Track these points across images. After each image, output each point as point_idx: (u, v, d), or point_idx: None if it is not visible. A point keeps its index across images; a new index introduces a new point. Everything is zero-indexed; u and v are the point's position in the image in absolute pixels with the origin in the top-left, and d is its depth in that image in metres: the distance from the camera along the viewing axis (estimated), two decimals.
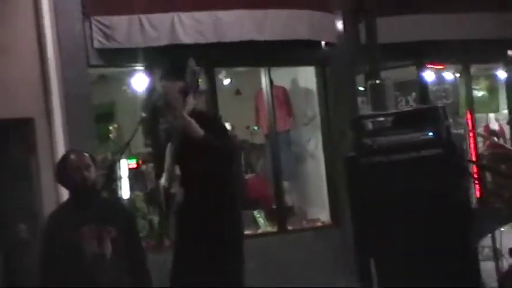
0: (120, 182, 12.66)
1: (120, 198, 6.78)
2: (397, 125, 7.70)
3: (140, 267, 6.52)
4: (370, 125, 7.77)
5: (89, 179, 6.45)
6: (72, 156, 6.62)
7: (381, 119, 7.91)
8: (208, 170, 6.85)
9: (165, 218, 7.14)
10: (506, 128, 16.06)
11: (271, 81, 13.57)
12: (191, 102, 7.05)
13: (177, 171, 6.87)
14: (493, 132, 15.39)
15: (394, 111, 9.64)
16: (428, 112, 7.82)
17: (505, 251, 7.73)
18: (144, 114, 7.40)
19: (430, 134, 7.53)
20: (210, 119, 7.44)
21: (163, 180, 7.02)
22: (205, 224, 6.88)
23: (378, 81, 11.93)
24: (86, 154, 6.69)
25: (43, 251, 6.66)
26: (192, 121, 6.84)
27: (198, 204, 6.86)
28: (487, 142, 12.92)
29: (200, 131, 6.83)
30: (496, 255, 7.56)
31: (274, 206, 13.71)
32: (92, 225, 6.37)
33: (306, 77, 14.11)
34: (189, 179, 6.86)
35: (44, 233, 6.73)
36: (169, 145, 7.01)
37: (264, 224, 13.56)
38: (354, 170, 7.68)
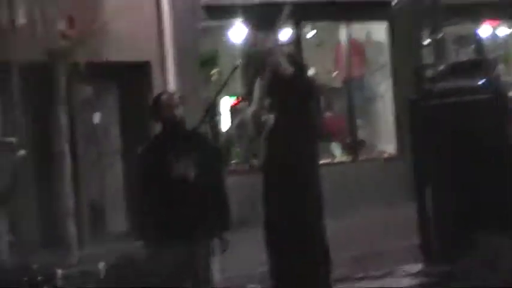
0: (220, 116, 12.74)
1: (204, 131, 6.62)
2: (453, 73, 7.56)
3: (220, 190, 6.44)
4: (430, 73, 7.65)
5: (177, 115, 6.43)
6: (164, 97, 6.61)
7: (440, 67, 7.77)
8: (294, 101, 6.78)
9: (255, 143, 7.04)
10: None
11: (349, 35, 13.42)
12: (281, 45, 6.98)
13: (267, 101, 6.81)
14: None
15: (451, 61, 9.42)
16: (481, 62, 7.66)
17: None
18: (240, 61, 7.32)
19: (482, 81, 7.38)
20: (296, 59, 7.36)
21: (252, 110, 6.93)
22: (291, 147, 6.82)
23: (440, 36, 11.66)
24: (175, 95, 6.68)
25: (136, 180, 6.67)
26: (283, 59, 6.77)
27: (286, 130, 6.79)
28: None
29: (289, 69, 6.77)
30: None
31: (348, 140, 13.65)
32: (178, 152, 6.34)
33: (379, 31, 13.89)
34: (278, 107, 6.79)
35: (137, 163, 6.73)
36: (258, 79, 6.94)
37: (340, 154, 13.52)
38: (416, 111, 7.58)
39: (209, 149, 6.56)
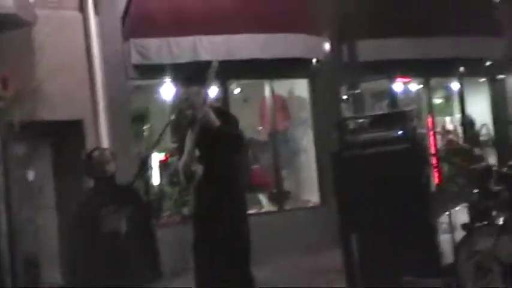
0: (151, 171, 12.61)
1: (134, 185, 6.55)
2: (373, 125, 7.64)
3: (150, 242, 6.37)
4: (351, 125, 7.70)
5: (108, 171, 6.35)
6: (95, 153, 6.54)
7: (360, 120, 7.84)
8: (222, 152, 6.74)
9: (185, 192, 6.98)
10: (459, 128, 16.00)
11: (272, 91, 13.53)
12: (210, 100, 6.95)
13: (196, 152, 6.76)
14: (449, 132, 15.29)
15: (370, 114, 9.53)
16: (399, 115, 7.76)
17: (458, 226, 7.64)
18: (172, 117, 7.27)
19: (400, 132, 7.46)
20: (225, 112, 7.33)
21: (183, 161, 6.87)
22: (221, 195, 6.75)
23: (357, 91, 11.83)
24: (107, 151, 6.61)
25: (71, 229, 6.55)
26: (211, 112, 6.74)
27: (214, 180, 6.73)
28: (445, 139, 12.83)
29: (217, 121, 6.73)
30: (452, 229, 7.46)
31: (274, 190, 13.65)
32: (110, 207, 6.25)
33: (300, 87, 14.04)
34: (207, 158, 6.74)
35: (70, 217, 6.62)
36: (189, 132, 6.90)
37: (266, 204, 13.50)
38: (338, 162, 7.62)
39: (140, 203, 6.49)
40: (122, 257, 6.18)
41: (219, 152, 6.76)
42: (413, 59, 14.27)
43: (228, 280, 6.59)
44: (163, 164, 12.88)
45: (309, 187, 14.05)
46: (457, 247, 6.88)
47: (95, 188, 6.50)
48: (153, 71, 12.21)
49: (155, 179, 12.87)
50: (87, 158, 6.50)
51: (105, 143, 11.37)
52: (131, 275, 6.19)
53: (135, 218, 6.22)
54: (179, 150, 7.15)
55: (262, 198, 13.47)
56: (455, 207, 7.53)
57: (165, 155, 12.91)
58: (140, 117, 13.09)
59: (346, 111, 12.51)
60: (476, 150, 9.29)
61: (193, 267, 6.75)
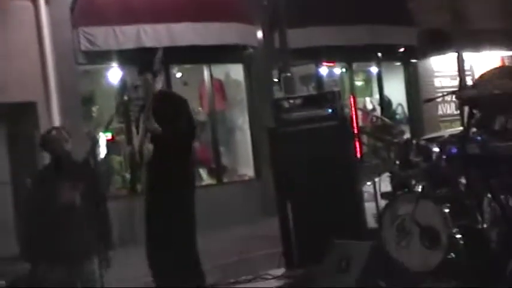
0: (100, 149, 12.46)
1: (89, 162, 6.49)
2: (305, 105, 7.66)
3: (103, 213, 6.31)
4: (285, 105, 7.71)
5: (65, 148, 6.29)
6: (53, 132, 6.47)
7: (293, 100, 7.85)
8: (171, 134, 6.66)
9: (139, 170, 6.92)
10: (378, 108, 16.19)
11: (211, 75, 13.46)
12: (159, 84, 6.86)
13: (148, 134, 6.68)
14: (370, 110, 15.47)
15: (302, 94, 9.56)
16: (327, 95, 7.79)
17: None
18: (125, 98, 7.11)
19: (329, 110, 7.50)
20: (177, 98, 7.21)
21: (138, 141, 6.79)
22: (169, 172, 6.69)
23: (288, 75, 11.86)
24: (64, 130, 6.53)
25: (25, 205, 6.46)
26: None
27: (163, 158, 6.67)
28: (367, 116, 12.96)
29: (158, 129, 6.57)
30: (376, 198, 7.54)
31: (213, 165, 13.63)
32: (65, 181, 6.18)
33: (236, 71, 14.02)
34: (157, 139, 6.66)
35: (27, 190, 6.54)
36: (141, 116, 6.81)
37: (206, 178, 13.47)
38: (275, 138, 7.63)
39: (93, 178, 6.43)
40: (77, 229, 6.10)
41: (169, 134, 6.67)
42: (337, 46, 14.37)
43: (177, 248, 6.56)
44: (110, 143, 12.73)
45: (244, 162, 14.08)
46: (381, 212, 6.95)
47: (51, 164, 6.40)
48: (100, 57, 12.06)
49: (103, 155, 12.71)
50: (44, 136, 6.40)
51: (57, 123, 11.20)
52: (86, 245, 6.12)
53: (89, 192, 6.16)
54: (127, 131, 7.06)
55: (203, 172, 13.44)
56: (378, 177, 7.61)
57: (112, 134, 12.75)
58: (89, 100, 12.90)
59: (278, 93, 12.51)
60: (397, 126, 9.39)
61: (145, 237, 6.69)
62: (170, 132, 6.54)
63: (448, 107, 17.24)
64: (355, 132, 7.77)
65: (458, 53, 16.11)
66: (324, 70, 15.17)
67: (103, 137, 12.52)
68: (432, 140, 7.35)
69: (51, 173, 6.28)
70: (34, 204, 6.23)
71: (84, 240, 6.09)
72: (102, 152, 12.54)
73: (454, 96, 7.37)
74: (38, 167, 11.02)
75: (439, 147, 6.76)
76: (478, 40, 16.35)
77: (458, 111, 16.67)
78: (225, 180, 13.59)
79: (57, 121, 11.26)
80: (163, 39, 12.00)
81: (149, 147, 6.64)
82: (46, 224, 6.09)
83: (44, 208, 6.11)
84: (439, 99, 15.97)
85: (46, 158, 6.65)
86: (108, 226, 6.26)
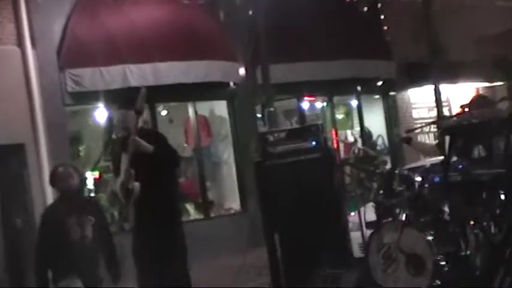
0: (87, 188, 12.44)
1: (94, 198, 6.62)
2: (290, 138, 7.69)
3: (111, 244, 6.43)
4: (271, 138, 7.74)
5: (72, 184, 6.37)
6: (60, 169, 6.55)
7: (279, 134, 7.89)
8: (157, 171, 6.67)
9: (125, 208, 6.90)
10: (359, 139, 16.26)
11: (195, 112, 13.49)
12: (141, 121, 6.88)
13: (132, 171, 6.67)
14: (352, 142, 15.55)
15: (286, 128, 9.61)
16: (311, 128, 7.83)
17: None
18: (113, 136, 7.13)
19: (313, 143, 7.54)
20: (156, 133, 7.28)
21: (120, 180, 6.77)
22: (156, 208, 6.69)
23: (271, 109, 11.91)
24: (70, 167, 6.61)
25: (39, 239, 6.48)
26: (142, 141, 6.63)
27: (150, 195, 6.66)
28: (349, 148, 13.02)
29: (150, 147, 6.63)
30: (361, 227, 7.55)
31: (200, 200, 13.59)
32: (76, 216, 6.25)
33: (220, 108, 14.07)
34: (143, 177, 6.65)
35: (40, 224, 6.57)
36: (124, 154, 6.80)
37: (193, 213, 13.42)
38: (261, 171, 7.65)
39: (101, 213, 6.54)
40: (89, 260, 6.24)
41: (154, 169, 6.69)
42: (317, 80, 14.46)
43: (169, 280, 6.53)
44: (97, 181, 12.68)
45: (230, 196, 14.05)
46: (367, 241, 6.96)
47: (61, 199, 6.50)
48: (87, 97, 12.05)
49: (91, 194, 12.65)
50: (53, 173, 6.53)
51: (45, 163, 11.18)
52: (97, 276, 6.18)
53: (98, 226, 6.24)
54: (114, 169, 7.06)
55: (190, 207, 13.39)
56: (363, 206, 7.62)
57: (99, 172, 12.71)
58: (76, 139, 12.88)
59: (262, 128, 12.54)
60: (380, 157, 9.43)
61: (136, 272, 6.65)
62: (160, 154, 6.55)
63: (427, 138, 17.35)
64: (339, 163, 7.81)
65: (435, 85, 16.27)
66: (305, 104, 15.25)
67: (90, 176, 12.49)
68: (414, 170, 7.39)
69: (61, 207, 6.37)
70: (48, 236, 6.30)
71: (95, 273, 6.16)
72: (90, 190, 12.50)
73: (434, 126, 7.43)
74: (28, 206, 11.03)
75: (422, 176, 6.81)
76: (455, 72, 16.53)
77: (437, 141, 16.80)
78: (212, 214, 13.55)
79: (45, 161, 11.24)
80: (149, 78, 12.05)
81: (135, 186, 6.64)
82: (61, 255, 6.14)
83: (58, 240, 6.17)
84: (418, 131, 16.09)
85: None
86: (116, 259, 6.38)
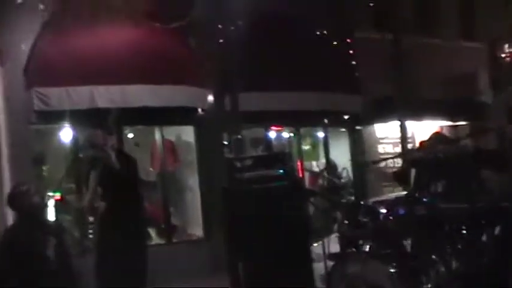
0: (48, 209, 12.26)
1: (58, 220, 6.53)
2: (258, 165, 7.69)
3: (71, 268, 6.32)
4: (239, 165, 7.74)
5: (33, 204, 6.24)
6: (21, 188, 6.40)
7: (247, 160, 7.89)
8: (123, 189, 6.65)
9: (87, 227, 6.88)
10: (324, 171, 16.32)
11: (162, 136, 13.45)
12: (111, 141, 6.86)
13: (99, 190, 6.65)
14: (320, 171, 15.64)
15: (256, 155, 9.62)
16: (279, 155, 7.86)
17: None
18: (81, 155, 7.10)
19: (281, 171, 7.56)
20: (123, 152, 7.27)
21: (87, 199, 6.74)
22: (121, 229, 6.65)
23: (238, 137, 11.92)
24: (32, 185, 6.48)
25: (1, 260, 6.38)
26: (112, 154, 6.64)
27: (117, 213, 6.63)
28: (315, 179, 13.10)
29: (118, 165, 6.62)
30: (324, 258, 7.55)
31: (163, 225, 13.50)
32: (37, 237, 6.14)
33: (187, 133, 14.04)
34: (109, 195, 6.63)
35: (1, 244, 6.44)
36: (92, 173, 6.78)
37: (155, 238, 13.32)
38: (227, 197, 7.63)
39: (63, 232, 6.44)
40: (52, 279, 6.11)
41: (121, 190, 6.68)
42: (285, 111, 14.54)
43: None
44: (59, 202, 12.53)
45: (194, 222, 13.98)
46: (330, 271, 6.97)
47: (21, 219, 6.37)
48: (53, 117, 11.95)
49: (52, 215, 12.48)
50: (13, 191, 6.38)
51: (7, 182, 11.03)
52: None
53: (59, 248, 6.13)
54: (78, 189, 7.04)
55: (152, 232, 13.28)
56: (328, 237, 7.64)
57: (61, 194, 12.56)
58: (40, 159, 12.73)
59: (228, 155, 12.54)
60: (346, 187, 9.54)
61: None
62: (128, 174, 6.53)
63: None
64: (306, 192, 7.83)
65: (401, 121, 16.48)
66: (272, 134, 15.31)
67: (51, 197, 12.34)
68: (380, 202, 7.44)
69: (22, 229, 6.24)
70: (11, 256, 6.18)
71: None
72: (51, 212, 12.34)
73: (399, 160, 7.52)
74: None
75: (387, 208, 6.86)
76: (420, 110, 16.77)
77: (396, 172, 16.94)
78: (175, 240, 13.45)
79: (7, 180, 11.08)
80: (117, 100, 12.00)
81: (100, 205, 6.61)
82: (20, 279, 6.04)
83: (16, 265, 6.05)
84: (382, 164, 16.23)
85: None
86: (76, 280, 6.26)
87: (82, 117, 11.63)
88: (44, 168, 12.78)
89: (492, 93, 19.08)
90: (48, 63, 11.86)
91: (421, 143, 6.91)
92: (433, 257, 6.56)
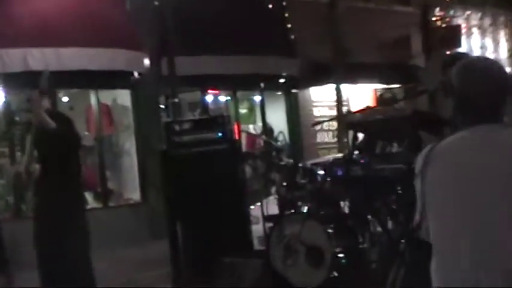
0: None
1: None
2: (196, 128, 7.65)
3: None
4: (177, 128, 7.67)
5: None
6: None
7: (185, 123, 7.83)
8: (59, 151, 6.50)
9: (25, 191, 6.71)
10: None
11: (98, 100, 13.23)
12: (46, 103, 6.66)
13: (34, 153, 6.49)
14: (259, 134, 15.67)
15: (195, 118, 9.56)
16: (218, 119, 7.83)
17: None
18: (17, 119, 6.88)
19: (220, 134, 7.53)
20: (59, 114, 7.10)
21: (24, 162, 6.57)
22: (58, 191, 6.51)
23: (176, 100, 11.81)
24: None
25: None
26: (46, 115, 6.45)
27: (52, 178, 6.49)
28: (254, 141, 13.13)
29: (52, 123, 6.44)
30: (263, 220, 7.59)
31: (99, 189, 13.36)
32: None
33: (124, 97, 13.85)
34: (45, 158, 6.48)
35: None
36: (28, 136, 6.61)
37: (91, 202, 13.15)
38: (166, 160, 7.58)
39: None
40: None
41: (57, 151, 6.52)
42: (222, 75, 14.47)
43: (72, 269, 6.38)
44: None
45: (131, 186, 13.88)
46: (269, 232, 7.01)
47: None
48: None
49: None
50: None
51: None
52: None
53: None
54: (11, 153, 6.86)
55: (88, 196, 13.10)
56: (266, 199, 7.68)
57: None
58: None
59: (166, 119, 12.43)
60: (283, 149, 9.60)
61: (37, 261, 6.46)
62: (64, 130, 6.39)
63: (326, 136, 17.68)
64: (245, 155, 7.83)
65: (337, 85, 16.60)
66: (209, 97, 15.23)
67: None
68: (318, 164, 7.50)
69: None
70: None
71: None
72: None
73: (333, 124, 7.57)
74: None
75: (324, 170, 6.92)
76: (355, 73, 16.91)
77: (336, 139, 17.20)
78: (111, 204, 13.33)
79: None
80: (51, 63, 11.69)
81: (36, 167, 6.46)
82: None
83: None
84: (318, 127, 16.36)
85: None
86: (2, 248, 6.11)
87: (16, 81, 11.33)
88: None
89: (424, 56, 19.38)
90: None
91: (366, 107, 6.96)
92: (369, 217, 6.65)
